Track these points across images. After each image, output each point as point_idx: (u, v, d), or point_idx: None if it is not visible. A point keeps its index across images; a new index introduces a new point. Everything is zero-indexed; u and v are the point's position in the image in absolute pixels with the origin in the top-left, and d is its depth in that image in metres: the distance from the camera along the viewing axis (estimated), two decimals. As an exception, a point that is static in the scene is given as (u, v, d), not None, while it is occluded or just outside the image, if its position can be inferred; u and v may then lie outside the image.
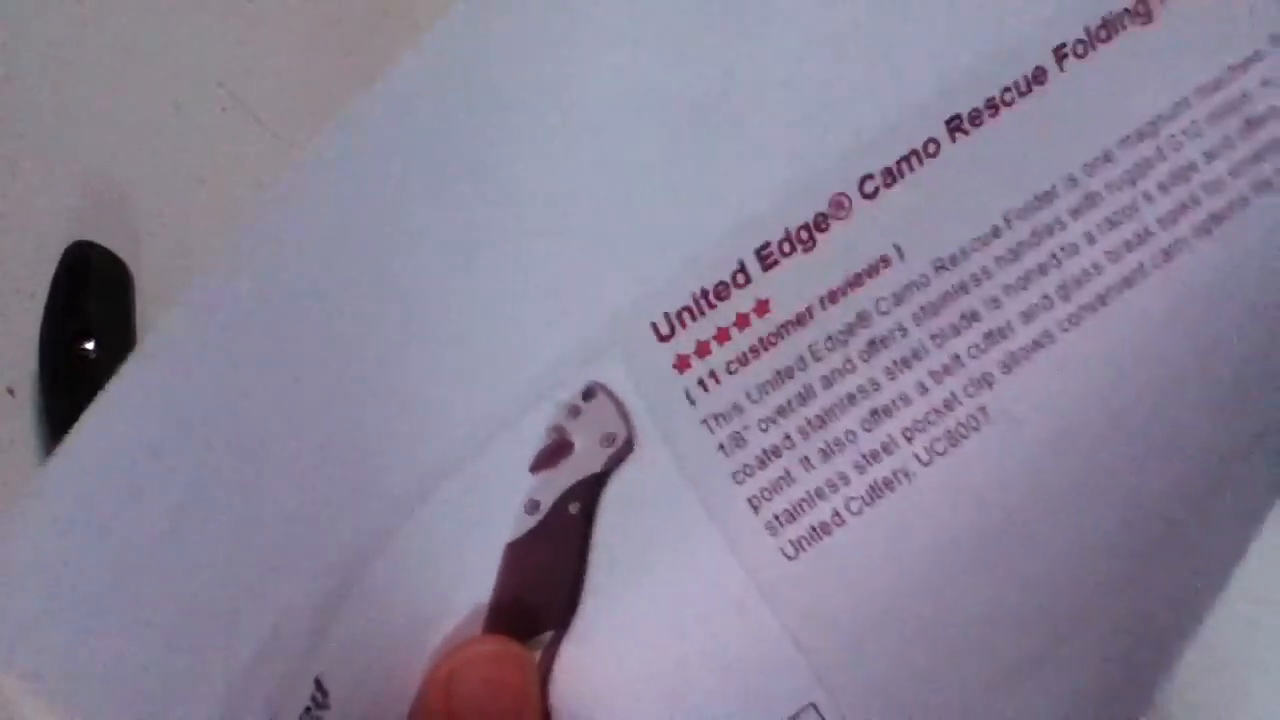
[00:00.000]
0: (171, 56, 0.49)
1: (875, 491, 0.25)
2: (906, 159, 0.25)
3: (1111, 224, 0.26)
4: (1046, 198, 0.26)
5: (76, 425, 0.23)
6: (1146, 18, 0.26)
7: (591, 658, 0.25)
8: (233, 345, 0.23)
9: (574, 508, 0.25)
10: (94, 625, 0.23)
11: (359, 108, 0.23)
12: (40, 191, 0.48)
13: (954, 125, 0.25)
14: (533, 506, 0.25)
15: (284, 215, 0.23)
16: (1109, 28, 0.26)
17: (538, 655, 0.26)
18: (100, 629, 0.23)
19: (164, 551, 0.23)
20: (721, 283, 0.25)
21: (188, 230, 0.48)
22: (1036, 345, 0.26)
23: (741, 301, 0.25)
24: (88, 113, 0.48)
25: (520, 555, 0.25)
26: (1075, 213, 0.26)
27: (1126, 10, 0.26)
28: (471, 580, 0.25)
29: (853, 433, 0.25)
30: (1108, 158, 0.26)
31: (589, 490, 0.25)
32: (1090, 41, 0.26)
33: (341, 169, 0.23)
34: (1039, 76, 0.25)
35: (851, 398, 0.25)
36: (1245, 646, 0.39)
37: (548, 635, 0.26)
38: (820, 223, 0.25)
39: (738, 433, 0.25)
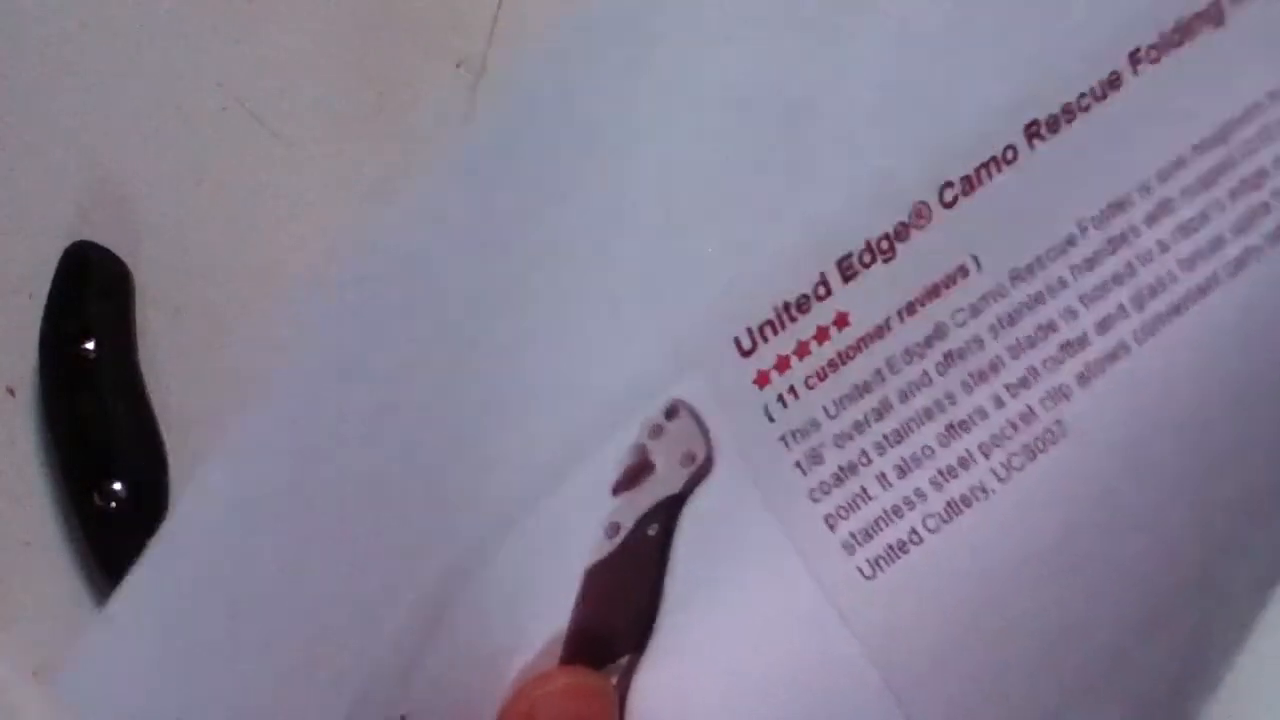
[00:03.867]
0: (171, 56, 0.46)
1: (953, 508, 0.24)
2: (986, 166, 0.23)
3: (1185, 232, 0.24)
4: (1121, 205, 0.24)
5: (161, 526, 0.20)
6: (1218, 20, 0.24)
7: (667, 681, 0.24)
8: (325, 394, 0.21)
9: (653, 530, 0.23)
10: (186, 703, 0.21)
11: (467, 134, 0.21)
12: (40, 191, 0.45)
13: (1032, 131, 0.23)
14: (613, 530, 0.23)
15: (371, 257, 0.21)
16: (1181, 31, 0.24)
17: (614, 680, 0.23)
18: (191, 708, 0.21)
19: (256, 623, 0.21)
20: (803, 295, 0.23)
21: (188, 230, 0.45)
22: (1112, 357, 0.24)
23: (822, 314, 0.23)
24: (88, 113, 0.46)
25: (599, 580, 0.23)
26: (1150, 220, 0.24)
27: (1198, 13, 0.24)
28: (549, 608, 0.23)
29: (930, 448, 0.24)
30: (1181, 164, 0.24)
31: (668, 511, 0.23)
32: (1163, 45, 0.24)
33: (432, 197, 0.21)
34: (1114, 81, 0.24)
35: (928, 412, 0.24)
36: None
37: (624, 660, 0.24)
38: (901, 232, 0.23)
39: (814, 449, 0.23)
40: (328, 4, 0.47)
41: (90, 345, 0.43)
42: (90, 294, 0.43)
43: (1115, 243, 0.24)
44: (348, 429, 0.21)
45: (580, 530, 0.23)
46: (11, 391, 0.44)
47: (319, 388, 0.21)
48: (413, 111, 0.46)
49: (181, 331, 0.44)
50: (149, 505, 0.42)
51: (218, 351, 0.44)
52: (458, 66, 0.46)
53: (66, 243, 0.44)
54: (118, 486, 0.41)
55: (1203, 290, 0.24)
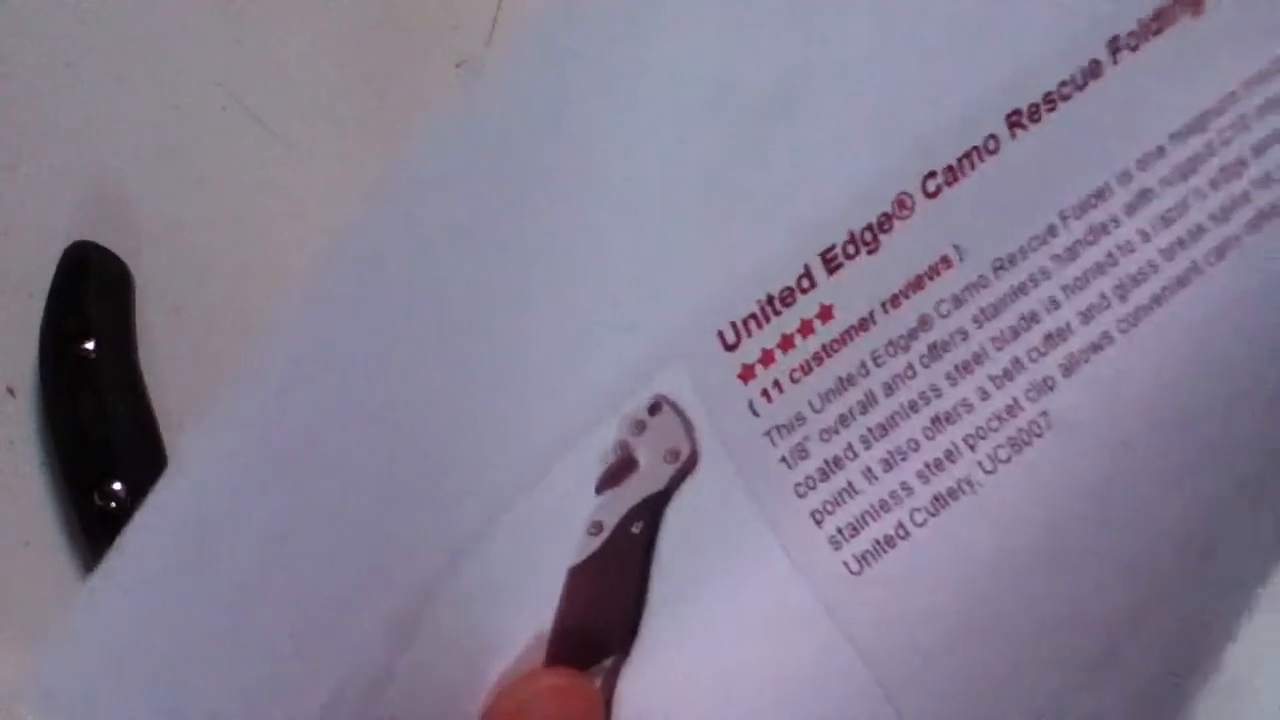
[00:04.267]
0: (171, 56, 0.46)
1: (939, 502, 0.23)
2: (968, 155, 0.23)
3: (1165, 221, 0.24)
4: (1101, 194, 0.24)
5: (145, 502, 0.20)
6: (1196, 8, 0.24)
7: (653, 680, 0.23)
8: (305, 388, 0.20)
9: (637, 527, 0.23)
10: (164, 692, 0.20)
11: (441, 120, 0.20)
12: (40, 191, 0.45)
13: (1014, 120, 0.23)
14: (596, 528, 0.23)
15: (357, 247, 0.20)
16: (1161, 19, 0.24)
17: (599, 681, 0.23)
18: (170, 695, 0.20)
19: (235, 611, 0.20)
20: (787, 288, 0.23)
21: (188, 230, 0.45)
22: (1095, 347, 0.24)
23: (806, 307, 0.23)
24: (88, 113, 0.46)
25: (583, 580, 0.23)
26: (1130, 209, 0.24)
27: (1176, 1, 0.24)
28: (532, 609, 0.23)
29: (915, 441, 0.23)
30: (1160, 152, 0.24)
31: (652, 509, 0.23)
32: (1142, 33, 0.24)
33: (414, 186, 0.20)
34: (1094, 70, 0.23)
35: (913, 405, 0.23)
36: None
37: (609, 661, 0.23)
38: (884, 223, 0.23)
39: (800, 444, 0.23)
40: (328, 4, 0.47)
41: (90, 345, 0.42)
42: (90, 294, 0.43)
43: (1096, 232, 0.24)
44: (328, 428, 0.20)
45: (562, 529, 0.23)
46: (11, 391, 0.43)
47: (301, 388, 0.20)
48: (413, 111, 0.46)
49: (181, 331, 0.44)
50: (149, 505, 0.42)
51: (218, 351, 0.44)
52: (458, 66, 0.46)
53: (66, 243, 0.43)
54: (118, 486, 0.41)
55: (1182, 280, 0.24)
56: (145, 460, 0.42)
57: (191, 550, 0.20)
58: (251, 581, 0.20)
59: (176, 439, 0.42)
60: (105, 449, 0.42)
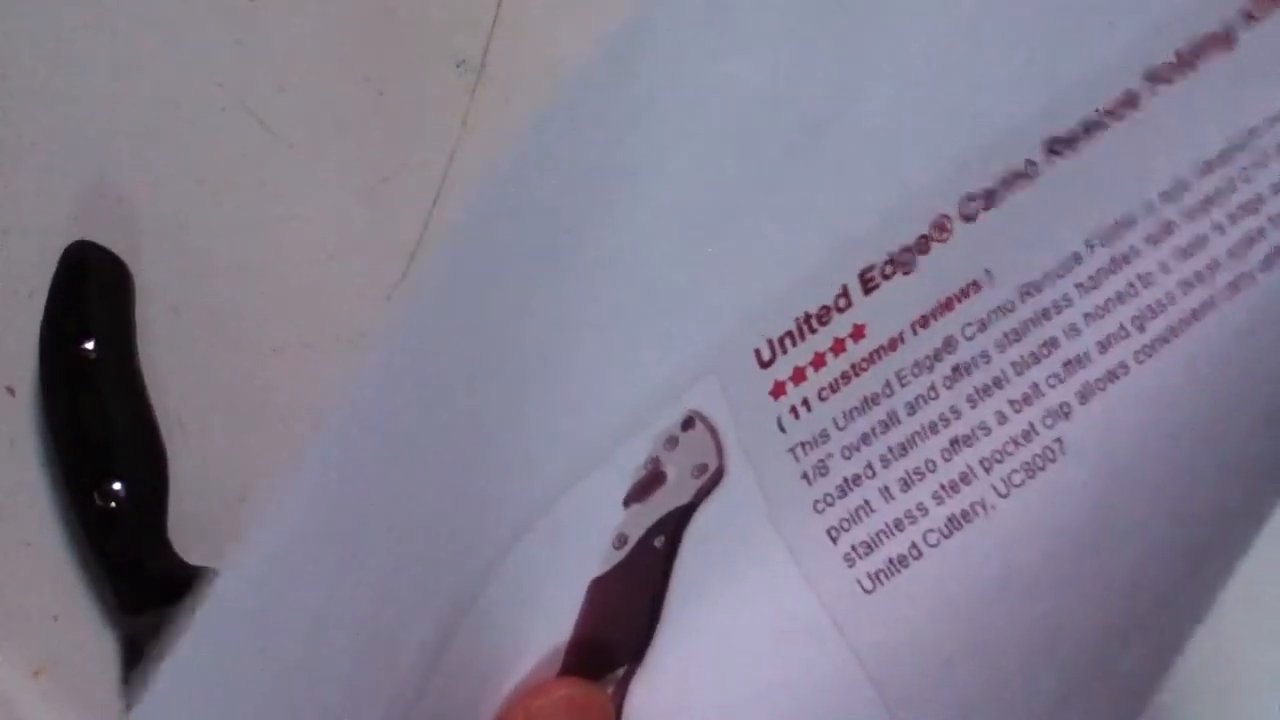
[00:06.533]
0: (171, 56, 0.46)
1: (953, 523, 0.24)
2: (1007, 180, 0.23)
3: (1185, 254, 0.24)
4: (1126, 224, 0.24)
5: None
6: (1228, 43, 0.24)
7: (664, 690, 0.24)
8: (365, 428, 0.20)
9: (659, 541, 0.23)
10: None
11: (524, 130, 0.20)
12: (40, 191, 0.45)
13: (1052, 146, 0.23)
14: (621, 541, 0.23)
15: (421, 284, 0.20)
16: (1194, 51, 0.24)
17: (610, 690, 0.23)
18: None
19: (297, 662, 0.20)
20: (824, 307, 0.23)
21: (188, 230, 0.45)
22: (1112, 376, 0.24)
23: (840, 326, 0.23)
24: (88, 113, 0.46)
25: (603, 592, 0.23)
26: (1151, 240, 0.24)
27: (1209, 34, 0.24)
28: (554, 620, 0.23)
29: (932, 462, 0.24)
30: (1184, 186, 0.24)
31: (676, 522, 0.23)
32: (1178, 65, 0.24)
33: (473, 215, 0.20)
34: (1130, 100, 0.24)
35: (933, 426, 0.24)
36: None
37: (620, 670, 0.23)
38: (921, 244, 0.23)
39: (822, 461, 0.23)
40: (328, 4, 0.46)
41: (90, 345, 0.42)
42: (90, 294, 0.43)
43: (1118, 262, 0.24)
44: (383, 462, 0.20)
45: (588, 539, 0.23)
46: (11, 391, 0.43)
47: (363, 430, 0.20)
48: (413, 111, 0.46)
49: (181, 331, 0.44)
50: (149, 505, 0.42)
51: (218, 351, 0.44)
52: (458, 66, 0.46)
53: (66, 243, 0.43)
54: (118, 486, 0.41)
55: (1198, 314, 0.24)
56: (145, 460, 0.42)
57: (264, 610, 0.20)
58: (314, 630, 0.20)
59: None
60: (105, 449, 0.42)
